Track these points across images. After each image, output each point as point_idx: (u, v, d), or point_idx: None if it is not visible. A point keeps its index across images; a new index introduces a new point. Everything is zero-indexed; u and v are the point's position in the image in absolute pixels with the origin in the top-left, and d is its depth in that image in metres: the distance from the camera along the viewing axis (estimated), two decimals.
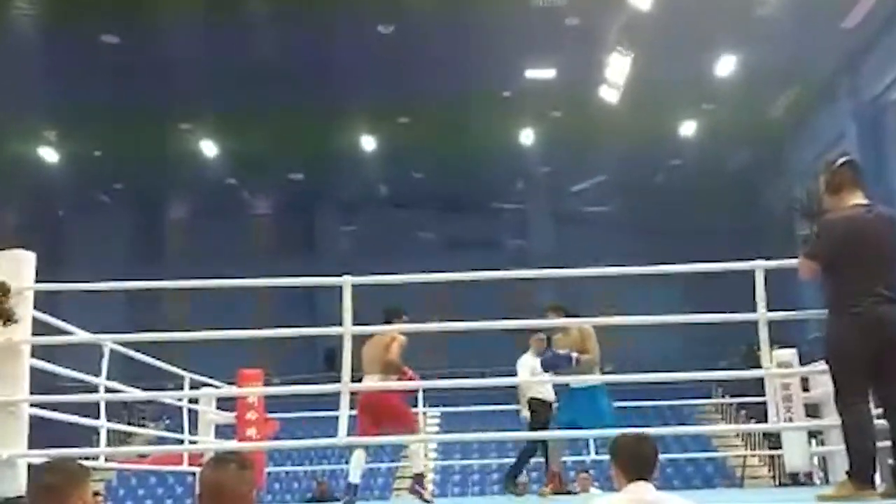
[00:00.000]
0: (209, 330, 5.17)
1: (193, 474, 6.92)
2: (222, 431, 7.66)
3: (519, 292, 15.19)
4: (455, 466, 15.25)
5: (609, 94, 16.99)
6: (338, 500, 8.41)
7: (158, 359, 6.49)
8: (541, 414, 6.76)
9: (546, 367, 6.20)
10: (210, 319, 6.43)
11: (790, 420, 6.15)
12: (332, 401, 4.82)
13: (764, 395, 5.23)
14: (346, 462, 6.04)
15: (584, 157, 20.15)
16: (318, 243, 23.82)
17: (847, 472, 3.78)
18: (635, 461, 3.04)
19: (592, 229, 22.15)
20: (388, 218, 23.06)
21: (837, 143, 16.52)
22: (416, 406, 8.07)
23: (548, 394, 6.79)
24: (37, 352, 4.54)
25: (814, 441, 7.63)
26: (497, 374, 13.64)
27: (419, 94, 16.89)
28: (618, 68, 15.92)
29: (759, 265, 4.55)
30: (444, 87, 16.48)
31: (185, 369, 7.02)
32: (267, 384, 8.41)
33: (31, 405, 4.47)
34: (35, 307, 4.52)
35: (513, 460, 7.12)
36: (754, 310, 4.54)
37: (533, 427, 6.83)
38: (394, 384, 5.82)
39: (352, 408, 4.76)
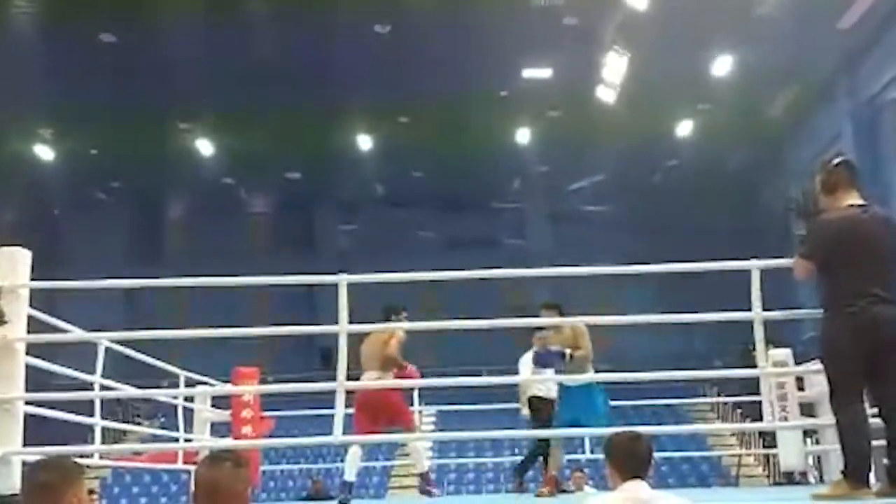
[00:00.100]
0: (206, 328, 5.18)
1: (188, 472, 6.91)
2: (217, 429, 7.66)
3: (516, 291, 15.20)
4: (451, 465, 15.25)
5: (606, 94, 17.00)
6: (333, 498, 8.41)
7: (155, 357, 6.49)
8: (542, 412, 6.75)
9: (539, 364, 6.20)
10: (207, 318, 6.44)
11: (785, 419, 6.17)
12: (328, 399, 4.82)
13: (759, 394, 5.24)
14: (342, 460, 6.04)
15: (581, 157, 20.16)
16: (316, 242, 23.83)
17: (842, 472, 3.79)
18: (630, 460, 3.05)
19: (590, 229, 22.18)
20: (386, 217, 23.06)
21: (834, 142, 16.55)
22: (412, 404, 8.07)
23: (548, 391, 6.77)
24: (32, 350, 4.54)
25: (809, 440, 7.63)
26: (493, 373, 13.67)
27: (417, 94, 16.90)
28: (615, 68, 15.94)
29: (755, 265, 4.56)
30: (442, 86, 16.48)
31: (181, 367, 7.02)
32: (263, 382, 8.41)
33: (26, 403, 4.47)
34: (31, 305, 4.52)
35: (510, 458, 7.13)
36: (750, 309, 4.55)
37: (535, 426, 6.82)
38: (389, 382, 5.82)
39: (349, 406, 4.76)
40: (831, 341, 3.86)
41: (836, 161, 4.06)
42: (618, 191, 21.96)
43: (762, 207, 20.59)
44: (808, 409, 6.62)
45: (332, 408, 4.58)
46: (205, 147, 20.02)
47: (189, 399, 7.25)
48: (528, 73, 17.33)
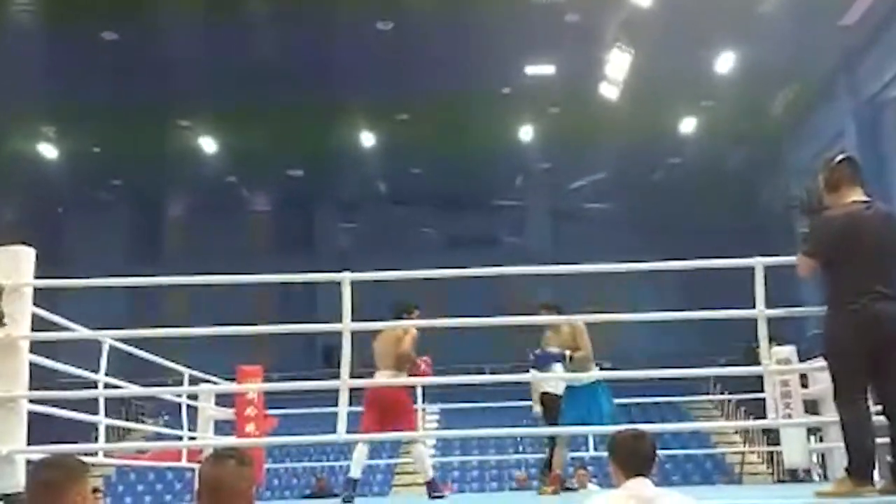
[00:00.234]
0: (208, 327, 5.18)
1: (192, 470, 6.94)
2: (221, 427, 7.67)
3: (517, 289, 15.19)
4: (454, 463, 15.26)
5: (608, 91, 16.98)
6: (337, 496, 8.41)
7: (158, 355, 6.49)
8: (553, 409, 6.75)
9: (536, 365, 6.19)
10: (209, 316, 6.45)
11: (789, 417, 6.16)
12: (331, 397, 4.82)
13: (763, 391, 5.24)
14: (346, 458, 6.05)
15: (583, 154, 20.14)
16: (317, 240, 23.83)
17: (846, 469, 3.79)
18: (633, 458, 3.05)
19: (591, 226, 22.16)
20: (387, 215, 23.06)
21: (836, 140, 16.52)
22: (415, 402, 8.08)
23: (557, 388, 6.76)
24: (36, 348, 4.54)
25: (813, 438, 7.63)
26: (494, 371, 13.67)
27: (418, 91, 16.88)
28: (617, 65, 15.91)
29: (758, 262, 4.55)
30: (444, 83, 16.47)
31: (184, 366, 7.03)
32: (266, 381, 8.42)
33: (30, 401, 4.47)
34: (34, 303, 4.52)
35: (509, 457, 7.13)
36: (754, 307, 4.55)
37: (548, 423, 6.81)
38: (396, 380, 5.83)
39: (353, 404, 4.76)
40: (834, 338, 3.86)
41: (839, 158, 4.06)
42: (620, 188, 21.95)
43: (764, 205, 20.58)
44: (811, 407, 6.62)
45: (334, 406, 4.58)
46: (206, 145, 20.03)
47: (193, 397, 7.25)
48: (531, 69, 17.31)
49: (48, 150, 19.83)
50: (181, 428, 7.00)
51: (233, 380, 7.36)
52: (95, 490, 8.71)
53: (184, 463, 6.98)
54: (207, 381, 7.35)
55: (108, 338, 5.47)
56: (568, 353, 5.84)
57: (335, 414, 4.55)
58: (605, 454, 3.29)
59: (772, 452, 13.09)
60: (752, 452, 15.04)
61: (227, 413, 7.46)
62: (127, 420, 14.10)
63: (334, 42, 15.91)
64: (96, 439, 5.69)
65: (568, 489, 6.73)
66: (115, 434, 14.02)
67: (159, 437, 8.76)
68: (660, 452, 3.20)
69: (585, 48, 15.84)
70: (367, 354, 5.94)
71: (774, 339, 5.05)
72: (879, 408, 3.87)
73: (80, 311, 5.81)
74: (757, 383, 6.06)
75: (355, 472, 5.75)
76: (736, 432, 16.45)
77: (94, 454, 5.68)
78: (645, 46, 15.09)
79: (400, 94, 17.36)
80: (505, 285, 15.01)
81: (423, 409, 9.18)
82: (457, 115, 17.70)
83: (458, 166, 20.05)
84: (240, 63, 16.21)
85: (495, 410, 10.14)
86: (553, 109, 18.56)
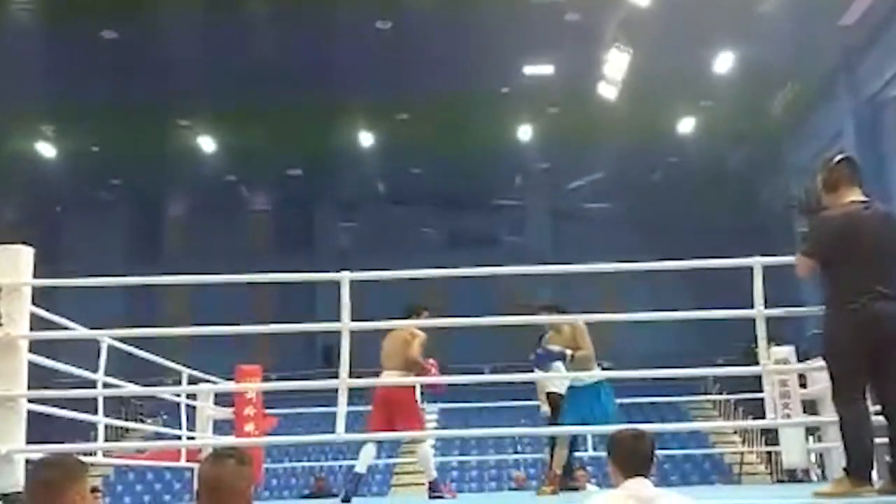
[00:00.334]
0: (208, 326, 5.17)
1: (191, 470, 6.93)
2: (220, 427, 7.66)
3: (516, 289, 15.19)
4: (453, 462, 15.27)
5: (607, 91, 16.98)
6: (335, 495, 8.40)
7: (157, 355, 6.49)
8: (558, 409, 6.75)
9: (537, 365, 6.19)
10: (208, 316, 6.44)
11: (788, 417, 6.16)
12: (330, 397, 4.82)
13: (762, 391, 5.24)
14: (345, 458, 6.06)
15: (582, 154, 20.14)
16: (317, 240, 23.83)
17: (844, 469, 3.79)
18: (632, 458, 3.05)
19: (590, 226, 22.16)
20: (386, 214, 23.06)
21: (835, 140, 16.52)
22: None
23: (562, 387, 6.76)
24: (35, 347, 4.54)
25: (811, 438, 7.63)
26: (494, 371, 13.67)
27: (418, 91, 16.88)
28: (617, 65, 15.91)
29: (757, 261, 4.55)
30: (443, 83, 16.47)
31: (183, 365, 7.02)
32: (265, 380, 8.42)
33: (29, 401, 4.47)
34: (33, 303, 4.52)
35: (508, 457, 7.12)
36: (753, 307, 4.54)
37: (554, 422, 6.81)
38: (400, 380, 5.83)
39: (352, 403, 4.77)
40: (833, 338, 3.86)
41: (837, 158, 4.06)
42: (619, 188, 21.95)
43: (763, 205, 20.58)
44: (810, 407, 6.62)
45: (334, 405, 4.58)
46: (206, 144, 20.02)
47: (192, 397, 7.25)
48: (530, 69, 17.31)
49: (47, 150, 19.81)
50: (180, 427, 6.99)
51: (232, 379, 7.35)
52: (94, 489, 8.71)
53: (183, 463, 6.97)
54: (206, 381, 7.35)
55: (107, 337, 5.47)
56: (568, 352, 5.84)
57: (334, 414, 4.55)
58: (604, 454, 3.29)
59: (770, 452, 13.12)
60: (751, 452, 15.06)
61: (226, 413, 7.45)
62: (126, 420, 14.09)
63: (334, 41, 15.90)
64: (95, 439, 5.69)
65: (567, 489, 6.73)
66: (113, 434, 14.03)
67: (158, 436, 8.75)
68: (658, 452, 3.19)
69: (584, 48, 15.84)
70: (368, 354, 5.94)
71: (773, 339, 5.05)
72: (878, 408, 3.87)
73: (79, 311, 5.81)
74: (756, 383, 6.06)
75: (360, 468, 5.80)
76: (735, 432, 16.46)
77: (93, 454, 5.68)
78: (644, 46, 15.08)
79: (399, 94, 17.36)
80: (504, 285, 15.03)
81: (423, 409, 9.18)
82: (456, 115, 17.70)
83: (458, 166, 20.05)
84: (239, 62, 16.20)
85: (493, 410, 10.16)
86: (552, 109, 18.57)
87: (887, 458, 3.77)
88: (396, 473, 15.51)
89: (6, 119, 17.44)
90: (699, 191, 20.16)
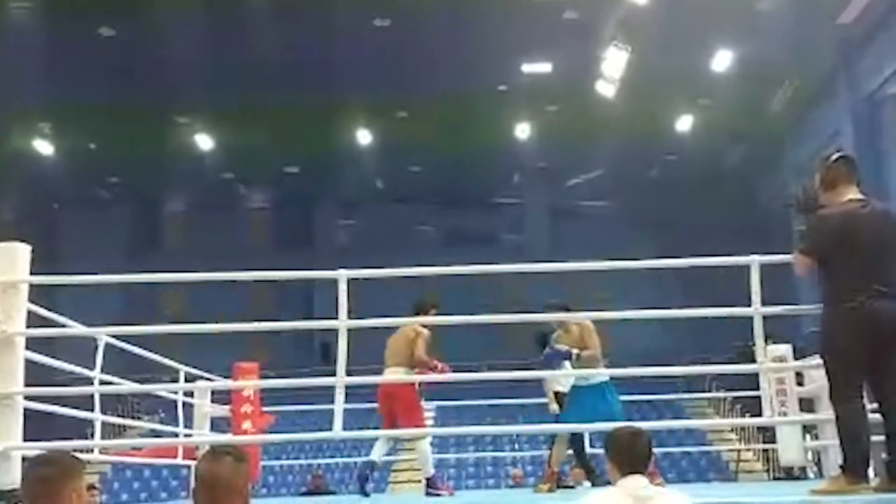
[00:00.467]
0: (205, 323, 5.17)
1: (188, 467, 6.93)
2: (217, 425, 7.66)
3: (515, 286, 15.20)
4: (451, 460, 15.28)
5: (606, 89, 16.99)
6: (333, 493, 8.40)
7: (154, 352, 6.48)
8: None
9: (545, 364, 6.22)
10: (206, 313, 6.44)
11: (785, 414, 6.17)
12: (327, 395, 4.82)
13: (758, 389, 5.24)
14: (342, 456, 6.07)
15: (580, 152, 20.16)
16: (315, 238, 23.83)
17: (841, 467, 3.79)
18: (630, 455, 3.05)
19: (589, 224, 22.18)
20: (385, 212, 23.06)
21: (834, 138, 16.53)
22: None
23: (567, 386, 6.76)
24: (32, 345, 4.54)
25: (808, 435, 7.64)
26: (492, 369, 13.66)
27: (416, 89, 16.88)
28: (615, 63, 15.92)
29: (755, 260, 4.55)
30: (442, 81, 16.47)
31: (181, 363, 7.02)
32: (263, 378, 8.41)
33: (26, 398, 4.46)
34: (30, 300, 4.52)
35: (510, 454, 7.11)
36: (750, 305, 4.54)
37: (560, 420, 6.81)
38: (397, 377, 5.85)
39: (349, 401, 4.77)
40: (831, 337, 3.86)
41: (835, 156, 4.06)
42: (617, 186, 21.98)
43: (761, 203, 20.60)
44: (807, 405, 6.63)
45: (331, 403, 4.58)
46: (203, 142, 20.01)
47: (189, 394, 7.25)
48: (528, 67, 17.32)
49: (44, 147, 19.79)
50: (177, 425, 6.99)
51: (229, 377, 7.35)
52: (91, 487, 8.71)
53: (180, 460, 6.97)
54: (204, 378, 7.34)
55: (104, 335, 5.46)
56: (575, 351, 5.86)
57: (331, 411, 4.55)
58: (601, 451, 3.29)
59: (767, 450, 13.13)
60: (748, 450, 15.07)
61: (224, 410, 7.45)
62: (123, 417, 14.10)
63: (332, 38, 15.90)
64: (92, 436, 5.69)
65: (564, 487, 6.74)
66: (111, 431, 14.03)
67: (155, 434, 8.75)
68: (655, 450, 3.19)
69: (582, 46, 15.85)
70: (365, 352, 5.94)
71: (771, 337, 5.05)
72: (875, 405, 3.88)
73: (76, 308, 5.82)
74: (753, 381, 6.07)
75: (375, 455, 5.97)
76: (732, 430, 16.47)
77: (90, 451, 5.68)
78: (642, 44, 15.09)
79: (397, 92, 17.36)
80: (503, 283, 15.04)
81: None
82: (454, 113, 17.71)
83: (456, 164, 20.06)
84: (237, 60, 16.20)
85: (490, 408, 10.16)
86: (550, 107, 18.57)
87: (884, 456, 3.77)
88: (394, 470, 15.51)
89: (3, 117, 17.41)
90: (697, 189, 20.18)
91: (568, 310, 6.08)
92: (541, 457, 7.35)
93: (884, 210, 3.96)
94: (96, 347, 5.40)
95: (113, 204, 22.96)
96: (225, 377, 7.56)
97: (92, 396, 5.50)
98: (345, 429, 4.62)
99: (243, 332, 5.09)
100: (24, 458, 4.09)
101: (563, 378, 6.69)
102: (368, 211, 23.63)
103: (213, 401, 7.47)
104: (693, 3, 14.07)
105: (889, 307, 3.74)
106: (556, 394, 6.93)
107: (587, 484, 8.10)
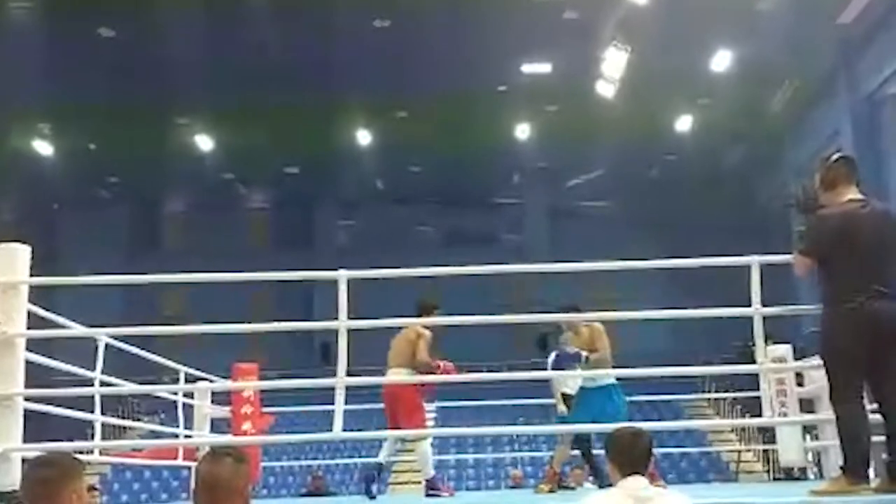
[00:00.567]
0: (205, 324, 5.16)
1: (189, 468, 6.92)
2: (218, 426, 7.66)
3: (515, 287, 15.21)
4: (451, 461, 15.27)
5: (605, 89, 17.00)
6: (333, 494, 8.39)
7: (154, 353, 6.48)
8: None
9: (555, 366, 6.23)
10: (206, 314, 6.44)
11: (785, 415, 6.16)
12: (327, 395, 4.82)
13: (758, 389, 5.24)
14: (342, 457, 6.07)
15: (580, 152, 20.16)
16: (315, 238, 23.84)
17: (841, 467, 3.79)
18: (630, 456, 3.05)
19: (589, 224, 22.19)
20: (384, 213, 23.07)
21: (833, 138, 16.54)
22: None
23: (575, 388, 6.75)
24: (32, 346, 4.53)
25: (808, 436, 7.64)
26: (490, 370, 13.66)
27: (416, 89, 16.89)
28: (614, 63, 15.92)
29: (754, 260, 4.54)
30: (441, 81, 16.48)
31: (181, 363, 7.02)
32: (262, 379, 8.41)
33: (26, 399, 4.46)
34: (30, 301, 4.51)
35: (510, 455, 7.11)
36: (750, 305, 4.54)
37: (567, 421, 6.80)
38: (398, 378, 5.85)
39: (349, 402, 4.76)
40: (831, 337, 3.86)
41: (835, 157, 4.06)
42: (616, 186, 21.98)
43: (760, 203, 20.60)
44: (807, 405, 6.63)
45: (331, 404, 4.58)
46: (203, 142, 20.01)
47: (189, 395, 7.24)
48: (528, 67, 17.32)
49: (44, 148, 19.79)
50: (177, 426, 6.98)
51: (229, 377, 7.34)
52: (92, 488, 8.70)
53: (180, 461, 6.97)
54: (203, 379, 7.34)
55: (104, 335, 5.46)
56: (585, 353, 5.87)
57: (331, 412, 4.54)
58: (601, 452, 3.29)
59: (767, 451, 13.13)
60: (748, 451, 15.07)
61: (224, 411, 7.45)
62: (123, 418, 14.10)
63: (332, 39, 15.91)
64: (92, 437, 5.68)
65: (565, 488, 6.73)
66: (111, 432, 14.04)
67: (155, 435, 8.74)
68: (655, 451, 3.19)
69: (582, 46, 15.86)
70: (365, 352, 5.94)
71: (771, 338, 5.05)
72: (875, 406, 3.87)
73: (76, 309, 5.81)
74: (753, 382, 6.07)
75: (382, 458, 6.04)
76: (732, 431, 16.47)
77: (90, 452, 5.67)
78: (642, 44, 15.10)
79: (397, 92, 17.37)
80: (503, 283, 15.04)
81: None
82: (454, 113, 17.72)
83: (456, 164, 20.06)
84: (237, 60, 16.20)
85: (490, 409, 10.15)
86: (550, 107, 18.58)
87: (884, 457, 3.77)
88: (395, 472, 15.50)
89: (3, 117, 17.42)
90: (697, 189, 20.18)
91: (579, 311, 6.08)
92: (541, 458, 7.36)
93: (884, 210, 3.96)
94: (96, 348, 5.40)
95: (113, 204, 22.96)
96: (225, 377, 7.55)
97: (92, 397, 5.50)
98: (345, 430, 4.61)
99: (243, 332, 5.08)
100: (24, 460, 4.08)
101: (570, 380, 6.69)
102: (368, 211, 23.63)
103: (213, 401, 7.46)
104: (693, 3, 14.07)
105: (889, 307, 3.73)
106: (564, 395, 6.93)
107: (588, 485, 8.11)
